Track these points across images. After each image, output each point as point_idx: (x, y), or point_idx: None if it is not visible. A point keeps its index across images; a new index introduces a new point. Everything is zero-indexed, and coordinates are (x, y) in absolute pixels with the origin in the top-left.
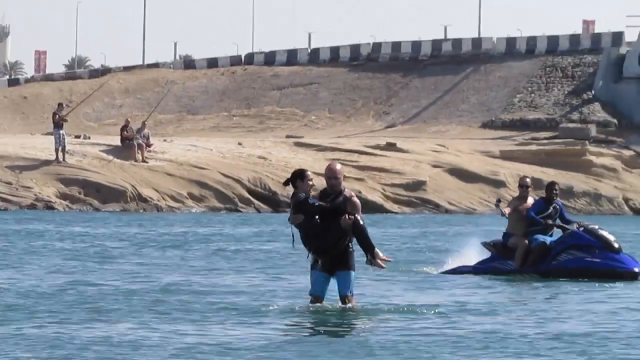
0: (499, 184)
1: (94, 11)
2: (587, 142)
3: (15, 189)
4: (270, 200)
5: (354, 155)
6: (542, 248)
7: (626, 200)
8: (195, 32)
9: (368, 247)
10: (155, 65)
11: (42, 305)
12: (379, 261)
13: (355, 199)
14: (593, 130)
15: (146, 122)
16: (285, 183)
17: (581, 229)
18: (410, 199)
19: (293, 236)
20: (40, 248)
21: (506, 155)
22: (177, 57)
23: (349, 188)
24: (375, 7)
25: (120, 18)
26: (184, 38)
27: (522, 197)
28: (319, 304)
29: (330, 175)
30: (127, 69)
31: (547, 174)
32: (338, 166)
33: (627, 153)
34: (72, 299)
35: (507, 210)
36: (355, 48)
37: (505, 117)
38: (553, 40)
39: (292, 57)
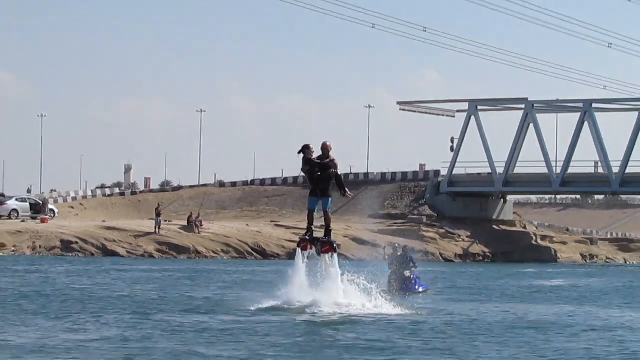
0: (377, 246)
1: (174, 157)
2: (421, 225)
3: (134, 247)
4: (263, 254)
5: (304, 231)
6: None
7: (441, 254)
8: (224, 166)
9: (342, 187)
10: (205, 185)
11: None
12: (347, 195)
13: (336, 161)
14: (424, 219)
15: (200, 214)
16: (299, 152)
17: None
18: None
19: (304, 177)
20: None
21: (381, 231)
22: (216, 181)
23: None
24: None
25: (188, 160)
26: (219, 170)
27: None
28: (312, 217)
29: (324, 148)
30: (191, 187)
31: (400, 241)
32: (328, 143)
33: (441, 231)
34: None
35: (387, 257)
36: (305, 178)
37: (380, 212)
38: (405, 174)
39: (273, 181)
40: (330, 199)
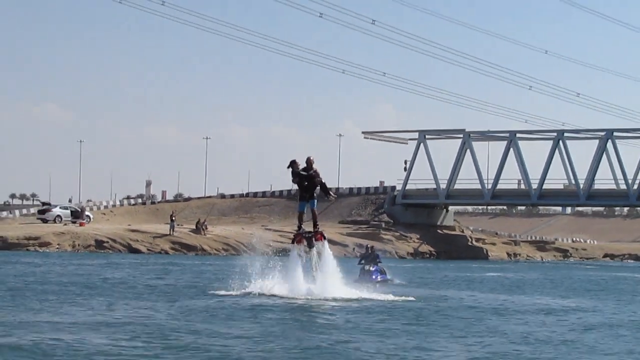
0: (345, 245)
1: (185, 175)
2: (380, 229)
3: (153, 245)
4: (255, 252)
5: (289, 234)
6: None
7: (396, 253)
8: (225, 183)
9: (327, 191)
10: (209, 197)
11: None
12: (330, 197)
13: (318, 171)
14: (383, 224)
15: (206, 219)
16: (288, 167)
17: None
18: None
19: (291, 190)
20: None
21: (349, 234)
22: (218, 193)
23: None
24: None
25: (195, 177)
26: (221, 185)
27: (371, 250)
28: (301, 218)
29: (308, 161)
30: (198, 198)
31: (364, 242)
32: (312, 157)
33: (396, 234)
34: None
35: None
36: (289, 191)
37: (348, 219)
38: (368, 188)
39: (264, 194)
40: (315, 200)
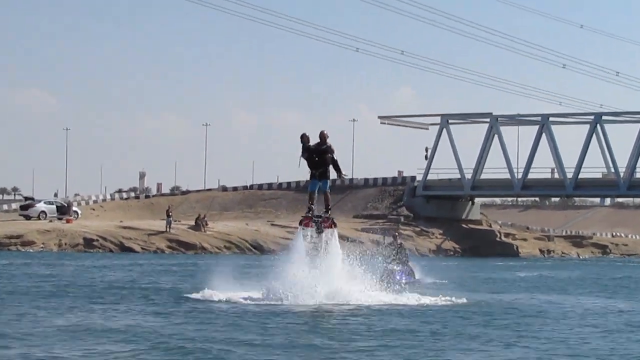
0: (360, 242)
1: (183, 165)
2: (399, 224)
3: (147, 244)
4: (260, 249)
5: (297, 230)
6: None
7: (417, 250)
8: (228, 174)
9: (339, 170)
10: (210, 190)
11: None
12: (342, 175)
13: (333, 146)
14: (402, 219)
15: (206, 215)
16: (301, 140)
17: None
18: None
19: (300, 163)
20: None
21: (364, 229)
22: (219, 186)
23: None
24: (303, 165)
25: (194, 168)
26: (222, 176)
27: (395, 240)
28: (314, 197)
29: (321, 135)
30: (197, 191)
31: (381, 238)
32: (325, 131)
33: (417, 229)
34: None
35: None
36: (298, 182)
37: (363, 213)
38: (385, 179)
39: (270, 186)
40: (328, 181)
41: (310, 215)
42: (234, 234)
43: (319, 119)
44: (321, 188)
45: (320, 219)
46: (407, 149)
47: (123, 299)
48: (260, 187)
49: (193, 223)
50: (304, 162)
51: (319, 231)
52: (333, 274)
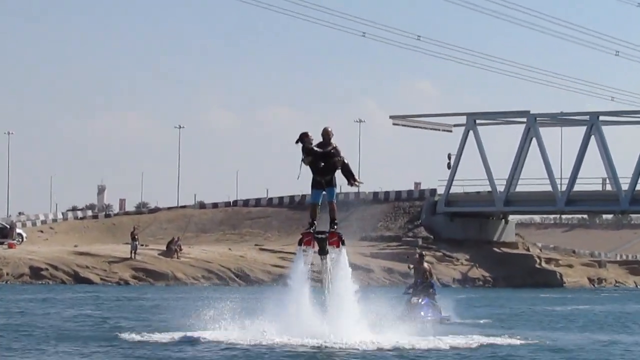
0: (369, 271)
1: (151, 177)
2: (416, 247)
3: (108, 273)
4: (246, 279)
5: (291, 255)
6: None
7: (438, 279)
8: (206, 188)
9: (351, 175)
10: (184, 207)
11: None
12: (356, 182)
13: (339, 147)
14: (420, 241)
15: (180, 238)
16: (296, 142)
17: None
18: None
19: (300, 172)
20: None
21: (373, 255)
22: (196, 202)
23: None
24: (303, 177)
25: (165, 180)
26: (199, 190)
27: (420, 262)
28: (316, 209)
29: (325, 134)
30: (169, 208)
31: (395, 265)
32: (329, 129)
33: (438, 254)
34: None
35: (411, 265)
36: (292, 197)
37: (372, 234)
38: (399, 193)
39: (257, 202)
40: (335, 189)
41: (311, 231)
42: (214, 261)
43: (317, 118)
44: (327, 198)
45: (324, 236)
46: (426, 155)
47: (39, 341)
48: (246, 203)
49: (164, 248)
50: (306, 170)
51: (323, 252)
52: (342, 309)
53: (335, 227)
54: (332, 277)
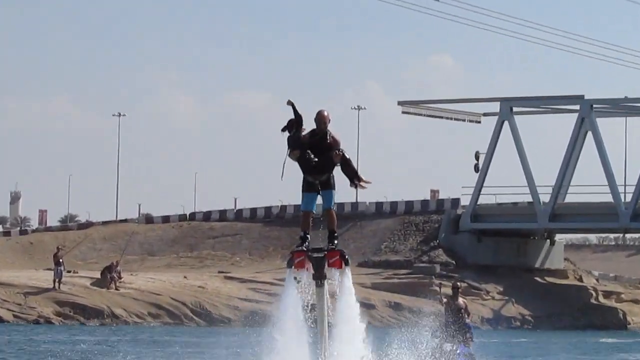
0: (370, 306)
1: (80, 181)
2: (433, 277)
3: (24, 308)
4: (208, 318)
5: (267, 286)
6: None
7: None
8: (153, 196)
9: (354, 173)
10: (125, 221)
11: None
12: (362, 183)
13: (337, 137)
14: (437, 268)
15: (119, 261)
16: (283, 129)
17: None
18: None
19: (283, 171)
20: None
21: (375, 286)
22: (140, 215)
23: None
24: (287, 179)
25: (100, 186)
26: (145, 201)
27: (454, 296)
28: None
29: (319, 119)
30: (104, 223)
31: (404, 299)
32: (325, 112)
33: (462, 284)
34: None
35: (444, 300)
36: (268, 209)
37: (374, 258)
38: (409, 204)
39: (222, 215)
40: (333, 192)
41: (304, 249)
42: (164, 293)
43: (305, 104)
44: (323, 205)
45: (321, 254)
46: (446, 154)
47: None
48: (207, 216)
49: (98, 276)
50: (293, 168)
51: (319, 277)
52: (350, 356)
53: (336, 242)
54: (333, 313)
